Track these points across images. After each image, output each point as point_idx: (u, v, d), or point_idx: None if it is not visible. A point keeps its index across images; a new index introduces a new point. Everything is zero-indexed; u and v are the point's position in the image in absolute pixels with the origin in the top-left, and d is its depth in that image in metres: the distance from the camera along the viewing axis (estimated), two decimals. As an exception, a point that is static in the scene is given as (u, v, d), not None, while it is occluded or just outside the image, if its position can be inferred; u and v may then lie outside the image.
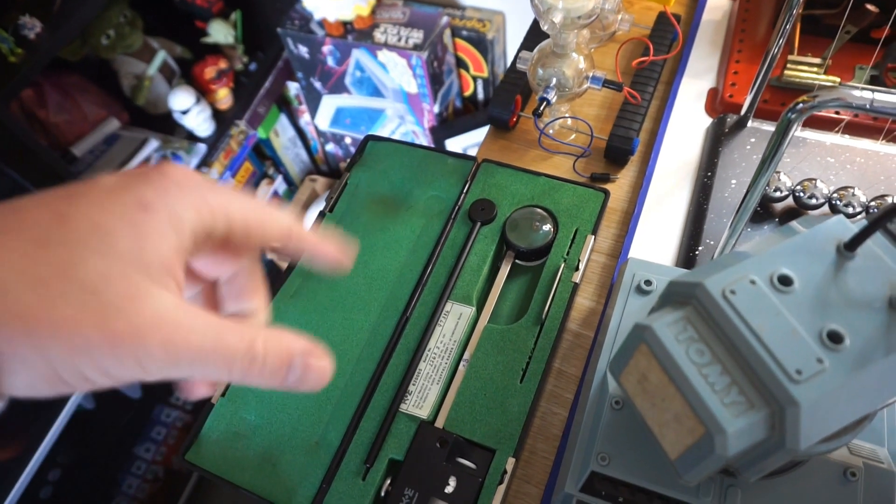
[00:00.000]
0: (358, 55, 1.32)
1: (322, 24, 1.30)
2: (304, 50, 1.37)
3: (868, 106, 0.32)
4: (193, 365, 0.23)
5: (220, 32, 1.39)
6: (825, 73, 0.58)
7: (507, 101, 0.63)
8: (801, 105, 0.34)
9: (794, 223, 0.31)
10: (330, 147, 1.63)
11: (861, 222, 0.30)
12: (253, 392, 0.49)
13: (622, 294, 0.46)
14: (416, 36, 1.26)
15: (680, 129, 0.62)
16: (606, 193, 0.56)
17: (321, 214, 0.60)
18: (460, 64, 1.38)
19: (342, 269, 0.31)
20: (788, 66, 0.58)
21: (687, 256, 0.52)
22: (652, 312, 0.32)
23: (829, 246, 0.29)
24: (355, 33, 1.29)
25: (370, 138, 0.63)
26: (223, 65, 1.37)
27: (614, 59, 0.65)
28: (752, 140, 0.57)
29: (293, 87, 1.55)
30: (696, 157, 0.60)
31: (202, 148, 1.37)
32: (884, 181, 0.53)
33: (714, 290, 0.28)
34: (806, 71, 0.57)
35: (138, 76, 1.36)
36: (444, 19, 1.28)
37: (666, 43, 0.64)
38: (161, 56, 1.36)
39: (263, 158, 1.62)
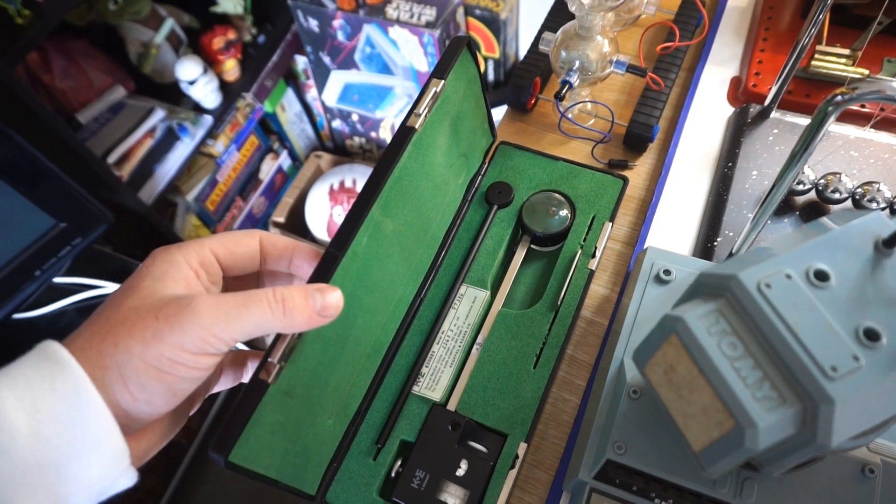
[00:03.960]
0: (369, 31, 1.30)
1: (334, -3, 1.28)
2: (314, 23, 1.35)
3: (910, 100, 0.31)
4: (242, 321, 0.28)
5: (229, 2, 1.37)
6: (854, 65, 0.57)
7: (526, 83, 0.62)
8: (839, 97, 0.34)
9: (824, 219, 0.31)
10: (336, 123, 1.61)
11: (900, 219, 0.29)
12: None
13: (640, 283, 0.46)
14: (429, 13, 1.24)
15: (701, 117, 0.61)
16: (625, 181, 0.55)
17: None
18: (472, 43, 1.36)
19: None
20: (816, 56, 0.57)
21: (705, 247, 0.51)
22: (679, 304, 0.31)
23: (867, 242, 0.29)
24: (367, 8, 1.27)
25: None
26: (231, 35, 1.35)
27: (638, 44, 0.64)
28: (775, 131, 0.56)
29: (301, 61, 1.53)
30: (717, 147, 0.59)
31: (208, 120, 1.36)
32: (906, 177, 0.52)
33: (749, 284, 0.27)
34: (834, 62, 0.56)
35: (145, 44, 1.34)
36: (458, -3, 1.26)
37: (690, 28, 0.63)
38: (169, 24, 1.34)
39: (269, 133, 1.61)
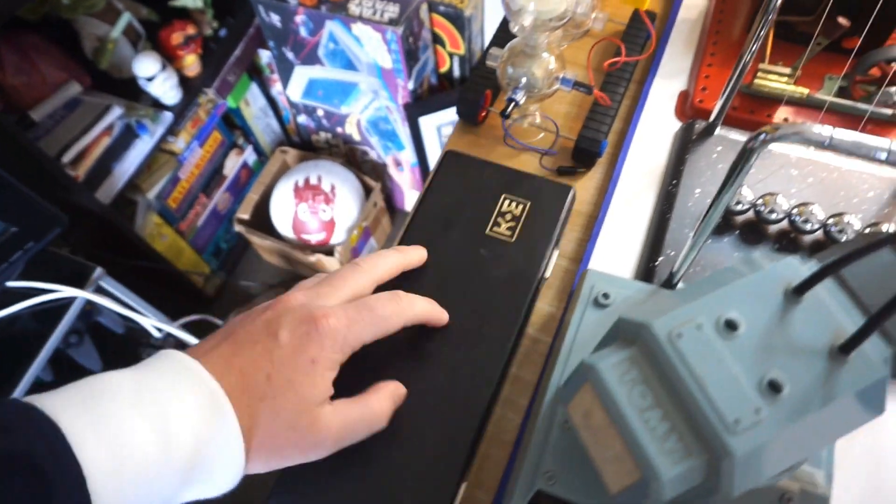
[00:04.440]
0: (331, 27, 1.28)
1: (295, -8, 1.25)
2: (276, 18, 1.32)
3: (826, 143, 0.32)
4: (353, 437, 0.37)
5: (188, -4, 1.34)
6: (795, 83, 0.57)
7: (476, 96, 0.61)
8: (763, 136, 0.34)
9: (739, 265, 0.31)
10: (302, 119, 1.59)
11: (811, 265, 0.30)
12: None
13: (579, 307, 0.46)
14: (392, 10, 1.22)
15: (649, 131, 0.61)
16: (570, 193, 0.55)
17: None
18: (437, 40, 1.35)
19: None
20: (759, 74, 0.57)
21: (647, 267, 0.52)
22: (600, 347, 0.32)
23: (777, 289, 0.29)
24: (329, 4, 1.25)
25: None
26: (191, 30, 1.33)
27: (587, 58, 0.64)
28: (719, 149, 0.57)
29: (265, 55, 1.51)
30: (664, 162, 0.59)
31: (168, 116, 1.33)
32: (843, 197, 0.53)
33: (661, 333, 0.28)
34: (776, 80, 0.57)
35: (101, 38, 1.30)
36: (422, -7, 1.25)
37: (639, 42, 0.63)
38: (125, 18, 1.31)
39: (233, 128, 1.58)
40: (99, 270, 1.13)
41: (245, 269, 1.72)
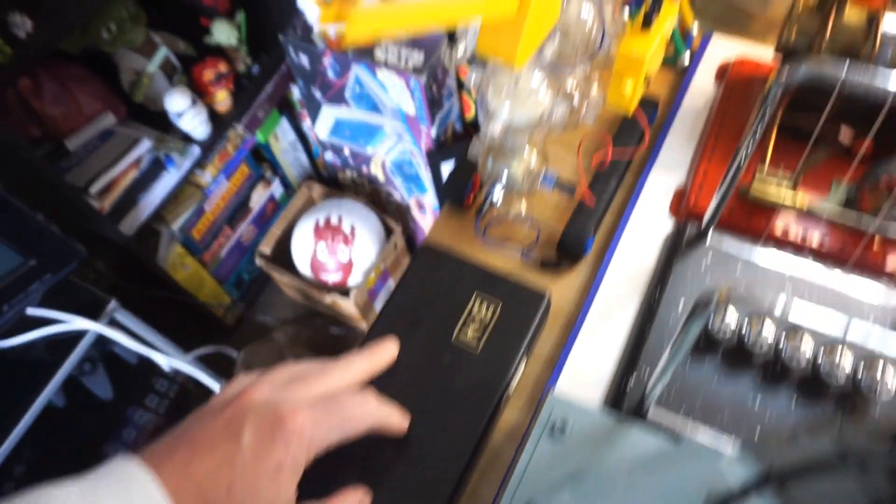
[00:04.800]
0: (357, 71, 1.29)
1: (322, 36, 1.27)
2: (304, 59, 1.34)
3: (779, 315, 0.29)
4: None
5: (222, 33, 1.37)
6: (795, 187, 0.53)
7: (464, 181, 0.60)
8: (710, 300, 0.31)
9: (664, 446, 0.28)
10: (329, 156, 1.60)
11: (743, 468, 0.27)
12: None
13: (535, 433, 0.44)
14: (417, 57, 1.22)
15: (641, 229, 0.58)
16: (544, 302, 0.52)
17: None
18: (462, 87, 1.34)
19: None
20: (757, 179, 0.54)
21: (619, 387, 0.49)
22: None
23: (696, 495, 0.26)
24: (356, 48, 1.26)
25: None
26: (223, 68, 1.35)
27: (576, 152, 0.61)
28: (709, 259, 0.54)
29: (297, 91, 1.53)
30: (652, 266, 0.56)
31: (196, 150, 1.36)
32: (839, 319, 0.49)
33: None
34: (774, 188, 0.53)
35: (138, 72, 1.34)
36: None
37: (635, 136, 0.60)
38: (162, 53, 1.34)
39: (261, 161, 1.61)
40: (113, 303, 1.15)
41: (266, 300, 1.74)
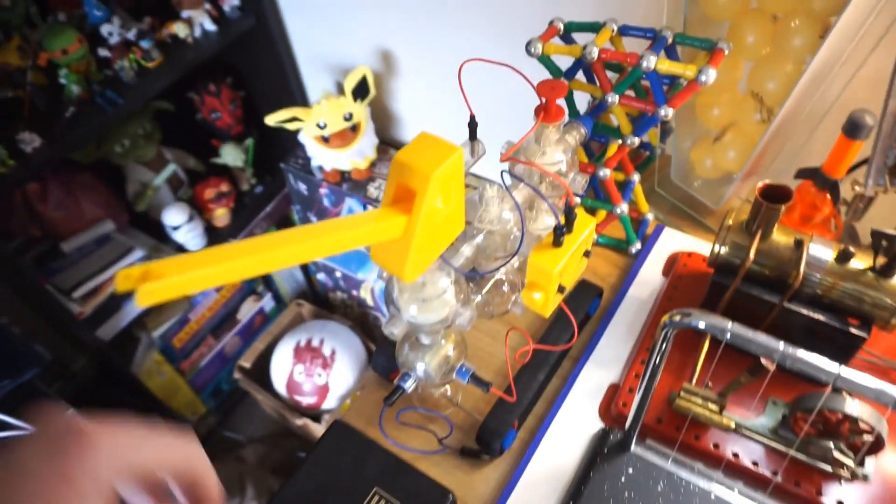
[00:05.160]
0: (351, 203, 1.33)
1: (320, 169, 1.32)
2: (303, 187, 1.39)
3: None
4: None
5: (230, 155, 1.44)
6: (721, 411, 0.51)
7: (390, 355, 0.59)
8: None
9: None
10: (321, 276, 1.62)
11: None
12: None
13: None
14: (408, 198, 1.25)
15: (568, 426, 0.56)
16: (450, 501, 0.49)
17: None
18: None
19: None
20: (683, 394, 0.52)
21: None
22: None
23: None
24: (351, 183, 1.30)
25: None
26: (224, 188, 1.41)
27: (504, 341, 0.61)
28: (630, 471, 0.51)
29: (297, 210, 1.57)
30: (574, 468, 0.53)
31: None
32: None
33: None
34: (699, 406, 0.51)
35: (144, 184, 1.40)
36: (439, 186, 1.28)
37: (566, 332, 0.59)
38: (170, 169, 1.41)
39: (255, 274, 1.63)
40: (70, 412, 1.13)
41: (244, 412, 1.70)
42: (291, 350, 1.46)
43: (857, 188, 0.60)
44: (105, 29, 1.18)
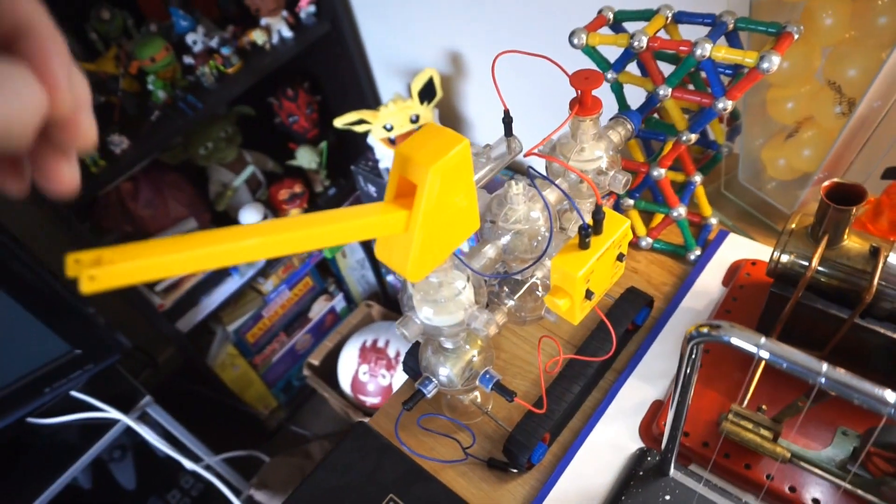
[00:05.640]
0: (417, 205, 1.33)
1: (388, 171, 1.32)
2: (372, 189, 1.40)
3: None
4: None
5: (304, 158, 1.47)
6: (776, 437, 0.45)
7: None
8: None
9: None
10: (391, 278, 1.63)
11: None
12: None
13: None
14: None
15: (604, 443, 0.52)
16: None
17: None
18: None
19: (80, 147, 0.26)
20: (731, 416, 0.46)
21: None
22: None
23: None
24: (418, 185, 1.30)
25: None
26: (298, 189, 1.44)
27: (537, 348, 0.57)
28: (667, 497, 0.46)
29: (368, 215, 1.59)
30: (606, 490, 0.49)
31: (261, 260, 1.43)
32: None
33: None
34: (750, 431, 0.45)
35: (225, 184, 1.47)
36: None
37: (608, 339, 0.55)
38: (249, 170, 1.46)
39: (327, 275, 1.66)
40: (147, 398, 1.19)
41: (313, 408, 1.74)
42: (357, 350, 1.48)
43: (960, 192, 0.52)
44: (190, 38, 1.24)
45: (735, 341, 0.32)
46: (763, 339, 0.31)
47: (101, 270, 0.24)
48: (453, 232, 0.38)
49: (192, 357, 1.40)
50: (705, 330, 0.33)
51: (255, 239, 0.30)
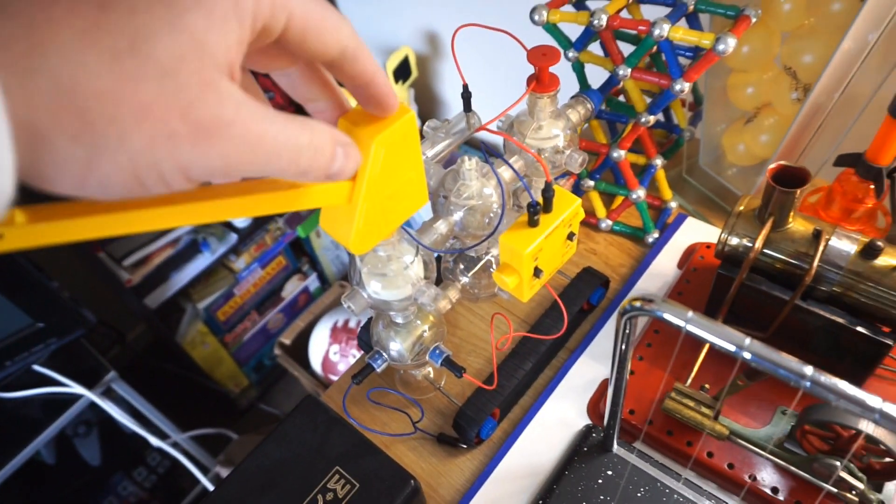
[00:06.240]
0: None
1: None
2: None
3: None
4: (269, 159, 0.23)
5: (279, 135, 1.45)
6: (716, 415, 0.46)
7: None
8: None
9: None
10: (364, 258, 1.63)
11: None
12: None
13: None
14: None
15: (552, 421, 0.52)
16: (411, 490, 0.47)
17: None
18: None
19: (385, 112, 0.31)
20: (673, 395, 0.47)
21: None
22: None
23: None
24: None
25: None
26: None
27: (490, 323, 0.57)
28: (609, 472, 0.47)
29: (343, 195, 1.58)
30: (552, 466, 0.50)
31: (233, 238, 1.42)
32: None
33: None
34: (691, 409, 0.46)
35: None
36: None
37: (557, 322, 0.55)
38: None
39: (301, 254, 1.65)
40: (112, 374, 1.18)
41: (283, 387, 1.74)
42: (329, 330, 1.47)
43: (910, 180, 0.53)
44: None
45: (665, 316, 0.32)
46: (690, 314, 0.31)
47: (12, 231, 0.24)
48: (400, 205, 0.38)
49: (162, 334, 1.40)
50: (638, 304, 0.33)
51: (187, 205, 0.29)
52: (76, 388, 1.14)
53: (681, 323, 0.31)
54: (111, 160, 0.19)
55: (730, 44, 0.48)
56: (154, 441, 1.24)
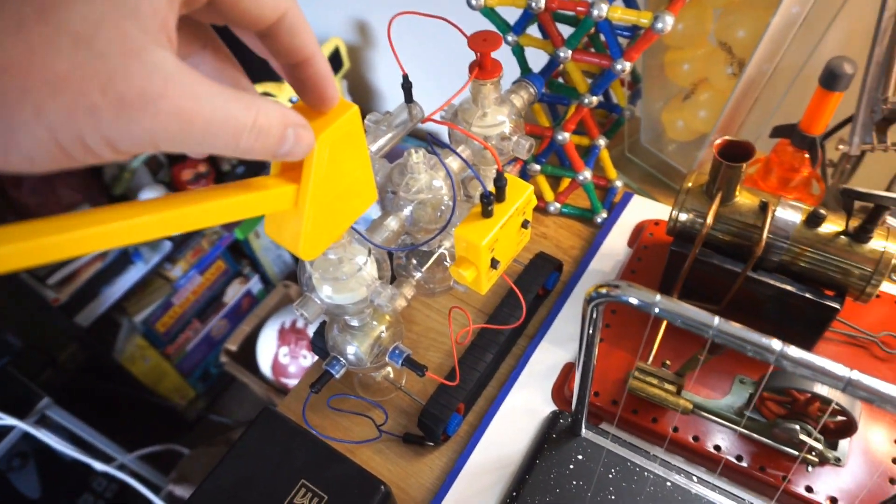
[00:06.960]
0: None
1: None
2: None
3: None
4: (204, 138, 0.21)
5: (208, 135, 1.39)
6: (679, 390, 0.47)
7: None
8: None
9: None
10: (307, 256, 1.59)
11: None
12: None
13: None
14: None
15: (520, 408, 0.52)
16: (383, 496, 0.46)
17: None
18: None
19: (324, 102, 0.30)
20: (637, 374, 0.47)
21: None
22: None
23: None
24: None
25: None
26: (202, 168, 1.37)
27: (448, 321, 0.57)
28: (580, 457, 0.47)
29: (280, 193, 1.54)
30: (522, 456, 0.49)
31: (167, 245, 1.36)
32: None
33: None
34: (654, 386, 0.47)
35: (121, 166, 1.37)
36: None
37: (515, 310, 0.55)
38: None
39: (241, 257, 1.60)
40: (46, 400, 1.11)
41: (233, 395, 1.68)
42: (276, 332, 1.44)
43: (841, 147, 0.55)
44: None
45: (633, 300, 0.32)
46: (658, 297, 0.31)
47: None
48: (349, 205, 0.36)
49: (97, 353, 1.32)
50: (604, 291, 0.33)
51: (119, 223, 0.26)
52: (6, 420, 1.07)
53: (649, 307, 0.31)
54: (29, 133, 0.18)
55: (668, 22, 0.48)
56: (98, 466, 1.17)
